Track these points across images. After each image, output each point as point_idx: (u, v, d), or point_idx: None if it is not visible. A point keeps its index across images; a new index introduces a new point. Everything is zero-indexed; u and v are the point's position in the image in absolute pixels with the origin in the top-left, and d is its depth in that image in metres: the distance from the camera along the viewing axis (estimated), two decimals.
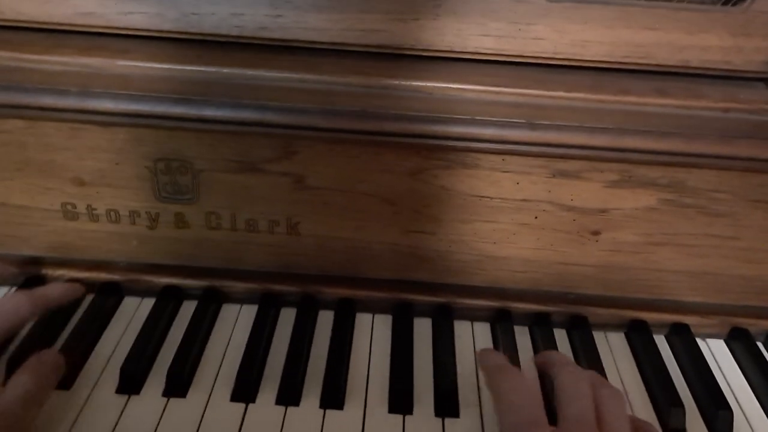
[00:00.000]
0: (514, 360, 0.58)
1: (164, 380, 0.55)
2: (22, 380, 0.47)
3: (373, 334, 0.62)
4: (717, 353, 0.63)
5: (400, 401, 0.54)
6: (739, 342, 0.63)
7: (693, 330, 0.63)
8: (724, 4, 0.57)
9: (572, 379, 0.47)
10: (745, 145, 0.56)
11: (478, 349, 0.61)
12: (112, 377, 0.55)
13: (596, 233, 0.60)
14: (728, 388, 0.59)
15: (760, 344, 0.63)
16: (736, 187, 0.58)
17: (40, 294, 0.54)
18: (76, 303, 0.62)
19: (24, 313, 0.51)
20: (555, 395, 0.47)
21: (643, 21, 0.56)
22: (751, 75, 0.58)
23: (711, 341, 0.64)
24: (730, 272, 0.62)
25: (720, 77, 0.58)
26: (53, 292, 0.56)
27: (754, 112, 0.56)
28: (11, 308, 0.51)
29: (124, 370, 0.55)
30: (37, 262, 0.63)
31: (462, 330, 0.62)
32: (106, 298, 0.62)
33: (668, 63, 0.57)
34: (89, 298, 0.63)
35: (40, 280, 0.63)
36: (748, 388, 0.60)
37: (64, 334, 0.59)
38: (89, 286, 0.63)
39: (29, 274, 0.63)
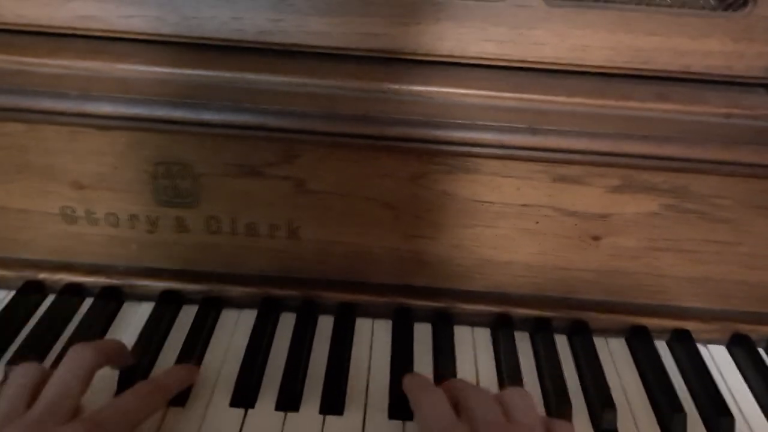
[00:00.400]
0: (516, 368, 0.58)
1: None
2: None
3: (373, 339, 0.61)
4: (718, 359, 0.63)
5: (401, 407, 0.54)
6: (741, 348, 0.63)
7: (694, 336, 0.63)
8: (726, 9, 0.57)
9: (474, 390, 0.49)
10: (747, 151, 0.56)
11: (478, 355, 0.60)
12: (111, 383, 0.54)
13: (597, 238, 0.60)
14: (729, 394, 0.59)
15: (761, 350, 0.63)
16: (737, 193, 0.57)
17: (163, 384, 0.51)
18: (74, 306, 0.62)
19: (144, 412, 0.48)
20: (461, 410, 0.47)
21: (644, 26, 0.56)
22: (752, 80, 0.57)
23: (712, 347, 0.64)
24: (731, 278, 0.61)
25: (721, 83, 0.58)
26: (175, 379, 0.53)
27: (756, 117, 0.56)
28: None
29: (122, 375, 0.54)
30: (35, 265, 0.63)
31: (462, 335, 0.62)
32: (106, 303, 0.62)
33: (669, 68, 0.57)
34: (88, 301, 0.63)
35: (38, 285, 0.63)
36: (750, 394, 0.59)
37: (63, 338, 0.58)
38: (88, 290, 0.63)
39: (28, 278, 0.63)
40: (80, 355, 0.48)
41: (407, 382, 0.53)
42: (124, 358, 0.54)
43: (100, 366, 0.49)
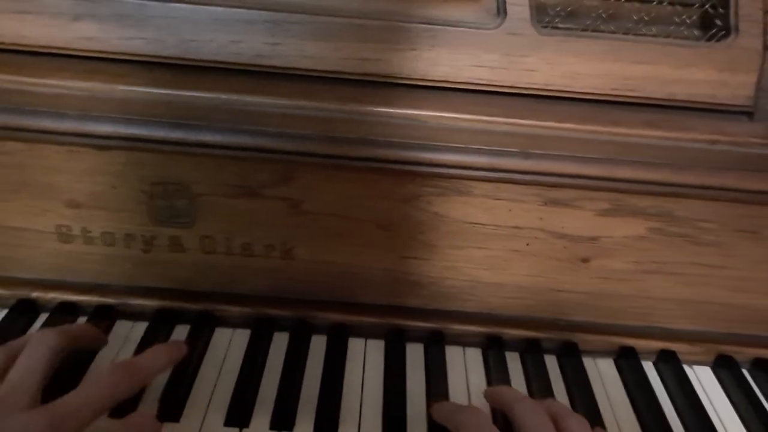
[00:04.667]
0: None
1: (157, 406, 0.54)
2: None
3: (366, 359, 0.62)
4: (704, 380, 0.64)
5: (394, 427, 0.54)
6: (725, 369, 0.64)
7: (680, 357, 0.64)
8: (709, 40, 0.59)
9: (531, 412, 0.47)
10: (731, 177, 0.57)
11: (469, 375, 0.61)
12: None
13: (587, 261, 0.61)
14: (715, 414, 0.60)
15: (745, 372, 0.64)
16: (722, 217, 0.59)
17: (141, 365, 0.50)
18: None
19: (123, 394, 0.47)
20: (515, 427, 0.47)
21: (632, 55, 0.58)
22: (735, 109, 0.59)
23: (698, 368, 0.65)
24: (717, 300, 0.63)
25: (706, 110, 0.60)
26: (154, 359, 0.52)
27: (740, 144, 0.58)
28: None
29: None
30: (29, 284, 0.63)
31: (454, 356, 0.63)
32: (99, 322, 0.62)
33: (656, 96, 0.59)
34: (82, 321, 0.63)
35: (31, 303, 0.63)
36: (735, 415, 0.60)
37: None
38: (82, 309, 0.63)
39: (21, 296, 0.62)
40: (43, 339, 0.48)
41: (438, 411, 0.52)
42: (94, 340, 0.54)
43: (65, 350, 0.49)
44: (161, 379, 0.57)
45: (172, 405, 0.54)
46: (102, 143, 0.57)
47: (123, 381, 0.47)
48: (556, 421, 0.46)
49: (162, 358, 0.52)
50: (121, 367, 0.48)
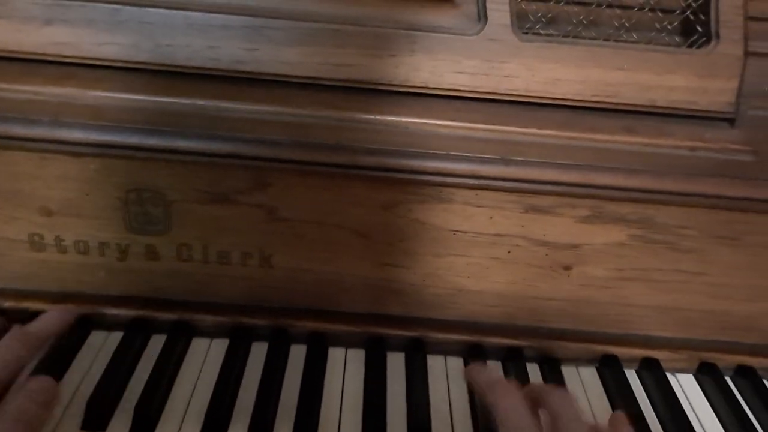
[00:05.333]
0: None
1: (131, 417, 0.53)
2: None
3: (345, 369, 0.61)
4: (686, 388, 0.63)
5: None
6: (708, 377, 0.64)
7: (663, 365, 0.64)
8: (690, 46, 0.59)
9: (512, 408, 0.47)
10: (711, 183, 0.57)
11: (451, 385, 0.60)
12: (77, 413, 0.53)
13: (568, 268, 0.60)
14: (698, 423, 0.60)
15: (728, 379, 0.64)
16: (702, 224, 0.59)
17: (34, 332, 0.50)
18: None
19: (19, 360, 0.47)
20: (552, 423, 0.47)
21: (612, 61, 0.58)
22: (715, 115, 0.59)
23: (680, 376, 0.65)
24: (698, 307, 0.63)
25: (686, 117, 0.59)
26: (46, 325, 0.52)
27: (719, 151, 0.58)
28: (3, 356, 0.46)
29: (89, 406, 0.53)
30: (1, 293, 0.61)
31: (435, 365, 0.62)
32: (73, 331, 0.61)
33: (636, 102, 0.58)
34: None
35: (2, 313, 0.61)
36: (718, 423, 0.60)
37: (29, 368, 0.57)
38: None
39: None
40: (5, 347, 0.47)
41: (473, 375, 0.52)
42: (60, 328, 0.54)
43: (32, 355, 0.48)
44: (136, 389, 0.56)
45: (146, 417, 0.53)
46: (75, 150, 0.55)
47: (18, 348, 0.47)
48: (536, 399, 0.47)
49: (53, 322, 0.53)
50: (14, 335, 0.48)
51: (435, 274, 0.61)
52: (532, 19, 0.58)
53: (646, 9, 0.59)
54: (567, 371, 0.63)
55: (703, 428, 0.59)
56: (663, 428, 0.58)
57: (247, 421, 0.54)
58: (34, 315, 0.60)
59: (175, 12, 0.56)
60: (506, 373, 0.62)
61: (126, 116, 0.55)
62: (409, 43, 0.57)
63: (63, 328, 0.54)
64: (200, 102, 0.56)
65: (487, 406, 0.49)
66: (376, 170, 0.55)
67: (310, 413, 0.55)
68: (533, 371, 0.63)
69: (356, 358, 0.62)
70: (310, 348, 0.62)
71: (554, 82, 0.58)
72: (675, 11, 0.59)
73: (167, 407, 0.55)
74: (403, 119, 0.56)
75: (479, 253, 0.60)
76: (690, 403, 0.62)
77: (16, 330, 0.49)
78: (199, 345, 0.62)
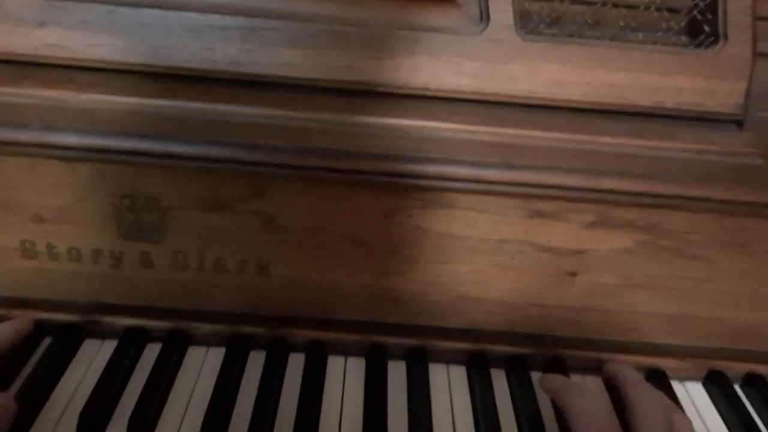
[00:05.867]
0: (492, 407, 0.57)
1: (125, 429, 0.52)
2: None
3: (345, 379, 0.59)
4: (695, 396, 0.62)
5: None
6: (717, 385, 0.62)
7: (671, 373, 0.62)
8: (697, 47, 0.57)
9: (645, 397, 0.48)
10: (719, 188, 0.56)
11: (453, 394, 0.59)
12: (70, 425, 0.52)
13: (573, 274, 0.59)
14: (706, 431, 0.58)
15: (737, 387, 0.63)
16: (710, 230, 0.57)
17: None
18: (33, 344, 0.59)
19: None
20: (627, 413, 0.48)
21: (618, 62, 0.56)
22: (723, 117, 0.58)
23: (689, 384, 0.63)
24: (705, 315, 0.61)
25: (693, 119, 0.58)
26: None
27: (728, 154, 0.57)
28: None
29: (82, 418, 0.52)
30: None
31: (437, 374, 0.61)
32: (66, 341, 0.59)
33: (642, 104, 0.57)
34: (48, 340, 0.60)
35: None
36: (726, 431, 0.59)
37: (20, 378, 0.56)
38: (48, 327, 0.60)
39: None
40: None
41: (546, 382, 0.53)
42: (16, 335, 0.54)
43: None
44: (130, 400, 0.54)
45: (140, 429, 0.52)
46: (67, 155, 0.54)
47: None
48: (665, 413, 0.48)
49: (7, 332, 0.53)
50: None
51: (437, 281, 0.59)
52: (535, 19, 0.57)
53: (652, 9, 0.57)
54: (573, 379, 0.61)
55: None
56: None
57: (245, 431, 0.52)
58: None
59: (170, 13, 0.55)
60: (510, 382, 0.60)
61: (120, 120, 0.54)
62: (410, 44, 0.55)
63: (16, 338, 0.54)
64: (196, 105, 0.55)
65: (562, 410, 0.50)
66: (376, 175, 0.54)
67: (308, 424, 0.53)
68: (538, 380, 0.61)
69: (356, 367, 0.61)
70: (309, 357, 0.60)
71: (558, 83, 0.56)
72: (682, 11, 0.58)
73: (162, 419, 0.54)
74: (404, 122, 0.55)
75: (482, 259, 0.58)
76: (698, 412, 0.60)
77: None
78: (195, 354, 0.60)
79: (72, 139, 0.53)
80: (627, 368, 0.54)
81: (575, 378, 0.61)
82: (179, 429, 0.53)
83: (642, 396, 0.49)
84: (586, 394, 0.49)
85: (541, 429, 0.55)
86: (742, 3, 0.56)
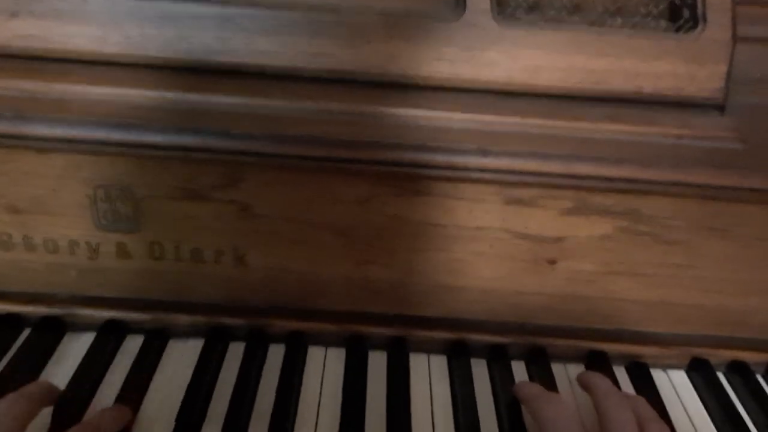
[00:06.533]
0: (471, 397, 0.56)
1: None
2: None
3: (325, 369, 0.59)
4: (677, 384, 0.62)
5: None
6: (699, 373, 0.62)
7: (653, 361, 0.62)
8: (677, 31, 0.57)
9: (616, 408, 0.48)
10: (699, 173, 0.55)
11: (433, 384, 0.58)
12: (46, 419, 0.51)
13: (553, 262, 0.58)
14: (688, 420, 0.58)
15: (720, 375, 0.62)
16: (691, 215, 0.57)
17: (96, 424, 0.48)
18: (11, 338, 0.59)
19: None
20: (600, 423, 0.47)
21: (596, 48, 0.56)
22: (704, 102, 0.57)
23: (672, 372, 0.63)
24: (687, 302, 0.61)
25: (673, 104, 0.57)
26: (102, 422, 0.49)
27: (708, 138, 0.56)
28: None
29: (56, 411, 0.51)
30: None
31: (418, 363, 0.60)
32: (45, 333, 0.59)
33: (621, 89, 0.56)
34: (26, 332, 0.60)
35: None
36: (708, 419, 0.58)
37: None
38: (26, 320, 0.60)
39: None
40: (12, 408, 0.45)
41: (520, 390, 0.53)
42: (55, 396, 0.51)
43: (34, 416, 0.47)
44: (109, 393, 0.54)
45: None
46: (41, 145, 0.54)
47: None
48: (639, 423, 0.47)
49: (117, 420, 0.50)
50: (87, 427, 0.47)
51: (415, 270, 0.59)
52: (513, 4, 0.56)
53: None
54: (555, 369, 0.61)
55: (693, 425, 0.57)
56: None
57: (220, 425, 0.52)
58: (5, 317, 0.60)
59: (145, 2, 0.55)
60: (491, 371, 0.60)
61: (93, 110, 0.53)
62: (386, 30, 0.55)
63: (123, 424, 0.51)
64: (171, 94, 0.54)
65: (533, 418, 0.50)
66: (350, 163, 0.54)
67: (286, 414, 0.53)
68: (519, 369, 0.61)
69: (336, 357, 0.60)
70: (288, 347, 0.60)
71: (537, 69, 0.56)
72: None
73: (141, 411, 0.53)
74: (380, 109, 0.54)
75: (460, 247, 0.58)
76: (681, 400, 0.60)
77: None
78: (175, 346, 0.60)
79: (45, 130, 0.53)
80: (600, 378, 0.53)
81: (557, 367, 0.61)
82: (156, 420, 0.53)
83: (613, 407, 0.48)
84: (555, 402, 0.49)
85: (520, 419, 0.54)
86: None
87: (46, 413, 0.51)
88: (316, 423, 0.54)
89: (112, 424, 0.49)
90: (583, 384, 0.54)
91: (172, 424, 0.52)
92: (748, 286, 0.60)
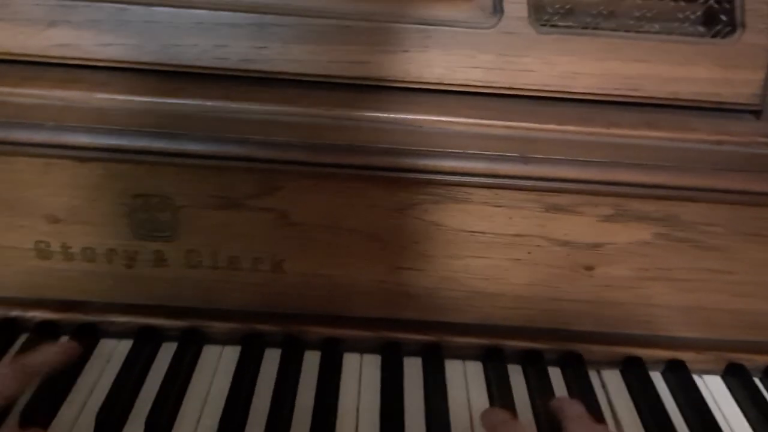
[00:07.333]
0: (509, 403, 0.56)
1: (143, 429, 0.52)
2: None
3: (361, 376, 0.59)
4: (714, 390, 0.61)
5: None
6: (736, 378, 0.61)
7: (689, 366, 0.62)
8: (713, 36, 0.56)
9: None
10: (737, 178, 0.55)
11: (470, 390, 0.58)
12: (87, 426, 0.52)
13: (590, 268, 0.58)
14: (726, 425, 0.58)
15: (756, 380, 0.62)
16: (728, 221, 0.57)
17: (29, 363, 0.49)
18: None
19: (10, 390, 0.47)
20: None
21: (632, 53, 0.56)
22: (740, 107, 0.57)
23: (707, 377, 0.62)
24: (723, 307, 0.60)
25: (709, 109, 0.57)
26: (45, 357, 0.51)
27: (745, 144, 0.56)
28: None
29: (99, 419, 0.52)
30: (7, 303, 0.60)
31: (453, 370, 0.60)
32: (81, 340, 0.59)
33: (658, 95, 0.57)
34: (63, 340, 0.60)
35: (11, 323, 0.60)
36: (746, 425, 0.58)
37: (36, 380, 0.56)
38: (63, 328, 0.60)
39: (0, 316, 0.60)
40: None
41: (485, 417, 0.52)
42: (65, 357, 0.53)
43: (24, 387, 0.48)
44: (147, 400, 0.54)
45: (158, 428, 0.52)
46: (80, 155, 0.54)
47: (12, 379, 0.47)
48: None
49: (52, 355, 0.51)
50: (8, 365, 0.48)
51: (452, 276, 0.59)
52: (549, 10, 0.56)
53: None
54: (590, 374, 0.61)
55: (732, 430, 0.57)
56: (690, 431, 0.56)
57: (262, 430, 0.52)
58: (42, 324, 0.60)
59: (181, 11, 0.55)
60: (527, 377, 0.60)
61: (132, 119, 0.53)
62: (422, 38, 0.55)
63: (62, 362, 0.52)
64: (208, 103, 0.54)
65: None
66: (389, 171, 0.54)
67: (325, 421, 0.53)
68: (555, 375, 0.61)
69: (372, 363, 0.60)
70: (324, 354, 0.60)
71: (573, 75, 0.56)
72: (698, 0, 0.57)
73: (179, 418, 0.54)
74: (417, 117, 0.54)
75: (498, 254, 0.58)
76: (718, 406, 0.60)
77: (11, 360, 0.49)
78: (210, 353, 0.60)
79: (84, 139, 0.53)
80: (571, 403, 0.52)
81: (592, 374, 0.61)
82: (196, 428, 0.53)
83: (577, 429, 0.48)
84: (519, 429, 0.50)
85: (558, 425, 0.54)
86: None
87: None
88: (357, 428, 0.54)
89: (53, 357, 0.51)
90: (555, 408, 0.53)
91: (214, 430, 0.52)
92: None
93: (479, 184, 0.54)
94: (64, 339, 0.59)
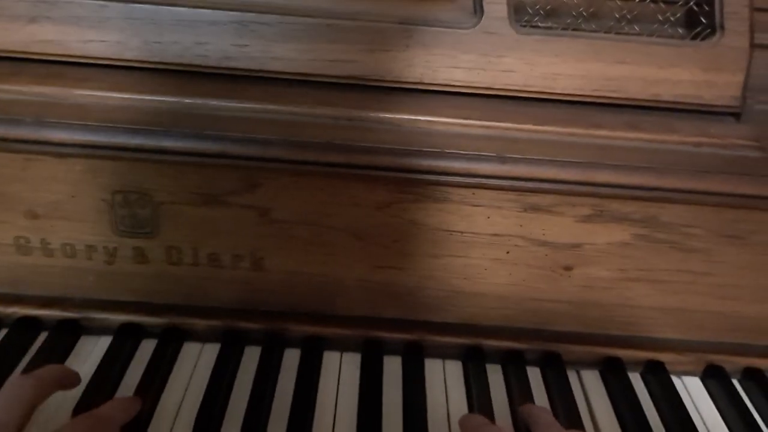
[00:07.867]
0: (488, 402, 0.56)
1: None
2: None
3: (341, 373, 0.59)
4: (693, 391, 0.62)
5: None
6: (715, 380, 0.62)
7: (668, 367, 0.62)
8: (694, 39, 0.57)
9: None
10: (717, 180, 0.55)
11: (449, 389, 0.58)
12: (63, 421, 0.51)
13: (569, 268, 0.58)
14: (704, 426, 0.58)
15: (735, 382, 0.62)
16: (709, 223, 0.57)
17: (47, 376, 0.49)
18: (29, 341, 0.59)
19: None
20: None
21: (614, 55, 0.56)
22: (721, 109, 0.57)
23: (687, 378, 0.63)
24: (704, 308, 0.61)
25: (691, 111, 0.58)
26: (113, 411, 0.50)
27: (726, 146, 0.56)
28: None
29: (76, 414, 0.51)
30: None
31: (433, 369, 0.60)
32: (62, 337, 0.59)
33: (639, 97, 0.57)
34: (43, 335, 0.60)
35: None
36: (725, 427, 0.58)
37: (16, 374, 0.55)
38: (43, 324, 0.60)
39: None
40: (18, 389, 0.45)
41: (463, 422, 0.52)
42: (71, 381, 0.51)
43: (42, 399, 0.46)
44: (126, 394, 0.54)
45: (135, 423, 0.51)
46: (60, 150, 0.54)
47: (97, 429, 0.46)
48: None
49: (127, 410, 0.50)
50: (95, 416, 0.47)
51: (432, 276, 0.59)
52: (530, 11, 0.57)
53: (649, 0, 0.57)
54: (569, 374, 0.61)
55: None
56: None
57: (239, 427, 0.52)
58: (22, 320, 0.60)
59: (162, 8, 0.55)
60: (506, 377, 0.60)
61: (112, 115, 0.53)
62: (404, 37, 0.55)
63: (132, 414, 0.51)
64: (189, 100, 0.55)
65: None
66: (369, 169, 0.54)
67: (303, 419, 0.53)
68: (535, 375, 0.61)
69: (352, 361, 0.60)
70: (304, 352, 0.60)
71: (554, 76, 0.56)
72: (678, 2, 0.57)
73: (157, 413, 0.53)
74: (397, 116, 0.54)
75: (477, 253, 0.58)
76: (696, 407, 0.60)
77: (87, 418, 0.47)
78: (190, 349, 0.60)
79: (64, 135, 0.53)
80: (541, 410, 0.53)
81: (571, 374, 0.61)
82: (174, 423, 0.53)
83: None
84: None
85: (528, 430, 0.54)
86: None
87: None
88: (333, 426, 0.54)
89: (122, 413, 0.49)
90: (525, 415, 0.53)
91: (191, 425, 0.52)
92: (765, 293, 0.60)
93: (457, 183, 0.54)
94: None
